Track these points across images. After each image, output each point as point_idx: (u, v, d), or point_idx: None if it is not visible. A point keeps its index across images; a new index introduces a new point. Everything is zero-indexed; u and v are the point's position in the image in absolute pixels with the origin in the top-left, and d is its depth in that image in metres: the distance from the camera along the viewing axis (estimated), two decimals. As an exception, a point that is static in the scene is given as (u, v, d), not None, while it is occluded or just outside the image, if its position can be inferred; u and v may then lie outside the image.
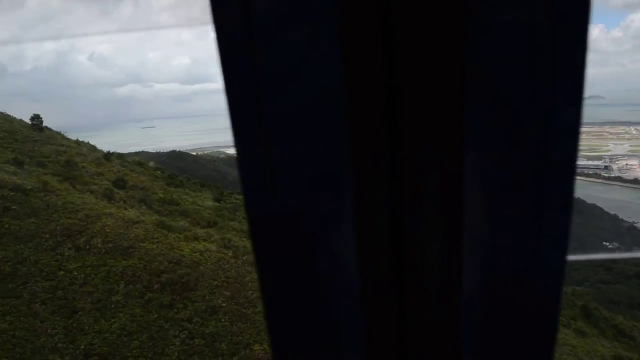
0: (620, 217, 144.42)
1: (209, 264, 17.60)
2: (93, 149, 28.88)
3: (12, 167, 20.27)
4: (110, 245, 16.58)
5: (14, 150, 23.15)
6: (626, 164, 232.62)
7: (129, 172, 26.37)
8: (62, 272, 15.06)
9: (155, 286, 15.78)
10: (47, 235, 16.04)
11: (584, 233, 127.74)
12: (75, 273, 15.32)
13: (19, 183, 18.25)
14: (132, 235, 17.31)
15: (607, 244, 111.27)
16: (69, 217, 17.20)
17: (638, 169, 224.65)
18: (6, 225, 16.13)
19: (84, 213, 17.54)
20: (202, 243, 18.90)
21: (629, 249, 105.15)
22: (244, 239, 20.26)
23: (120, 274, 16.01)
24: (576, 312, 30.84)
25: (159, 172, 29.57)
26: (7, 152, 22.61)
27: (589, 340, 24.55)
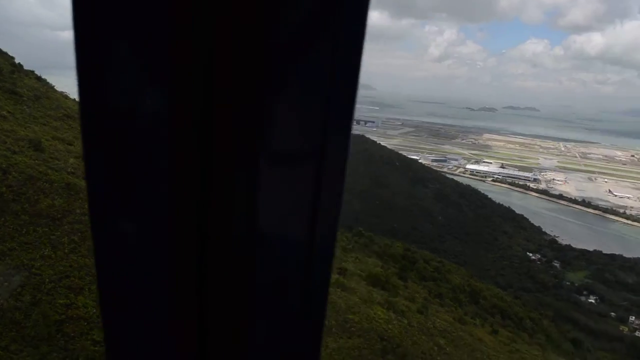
0: (543, 229, 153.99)
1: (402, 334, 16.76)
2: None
3: None
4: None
5: None
6: (553, 179, 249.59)
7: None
8: None
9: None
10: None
11: (512, 242, 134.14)
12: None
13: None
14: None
15: (531, 254, 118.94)
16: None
17: (563, 185, 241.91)
18: None
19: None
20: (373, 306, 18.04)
21: (550, 262, 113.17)
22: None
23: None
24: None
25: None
26: None
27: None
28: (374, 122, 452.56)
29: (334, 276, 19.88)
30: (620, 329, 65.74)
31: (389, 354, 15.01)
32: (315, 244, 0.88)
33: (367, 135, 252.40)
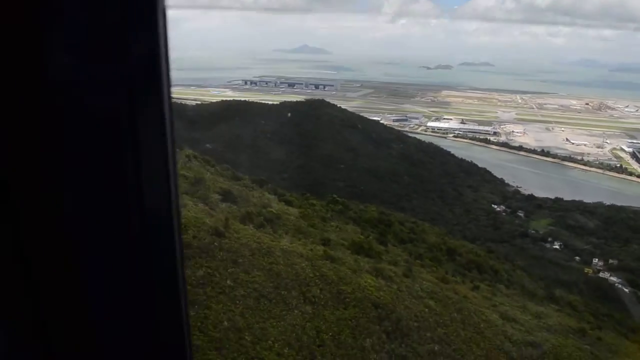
0: (506, 181, 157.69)
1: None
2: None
3: None
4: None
5: None
6: (512, 131, 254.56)
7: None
8: None
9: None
10: None
11: (477, 195, 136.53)
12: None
13: None
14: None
15: (496, 206, 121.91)
16: None
17: (522, 137, 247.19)
18: None
19: None
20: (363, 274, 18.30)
21: (514, 212, 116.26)
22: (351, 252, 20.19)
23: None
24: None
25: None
26: None
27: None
28: (332, 85, 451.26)
29: (320, 248, 19.89)
30: (586, 271, 68.67)
31: (385, 321, 15.19)
32: (147, 238, 0.89)
33: (327, 99, 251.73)
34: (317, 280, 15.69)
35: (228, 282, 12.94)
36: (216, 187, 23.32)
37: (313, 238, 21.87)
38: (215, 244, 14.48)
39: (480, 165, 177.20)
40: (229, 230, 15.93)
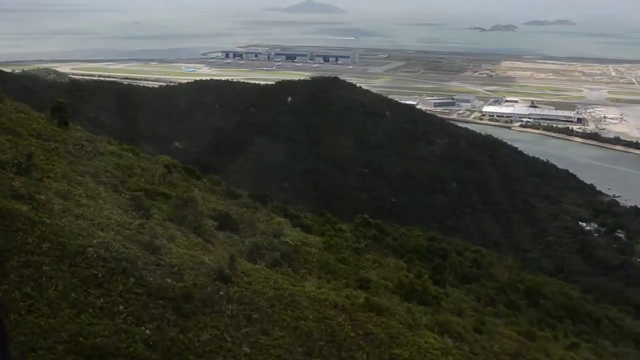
0: (598, 188, 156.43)
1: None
2: None
3: None
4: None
5: None
6: (604, 117, 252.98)
7: None
8: None
9: None
10: None
11: (557, 209, 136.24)
12: None
13: None
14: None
15: (584, 224, 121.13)
16: None
17: (618, 125, 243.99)
18: None
19: None
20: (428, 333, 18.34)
21: (612, 232, 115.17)
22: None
23: None
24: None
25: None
26: None
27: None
28: (348, 57, 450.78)
29: (359, 294, 19.94)
30: None
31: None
32: None
33: (342, 76, 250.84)
34: (361, 342, 15.60)
35: (244, 348, 12.89)
36: (209, 209, 23.37)
37: (346, 279, 21.83)
38: (222, 292, 14.45)
39: (560, 166, 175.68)
40: (236, 272, 15.92)
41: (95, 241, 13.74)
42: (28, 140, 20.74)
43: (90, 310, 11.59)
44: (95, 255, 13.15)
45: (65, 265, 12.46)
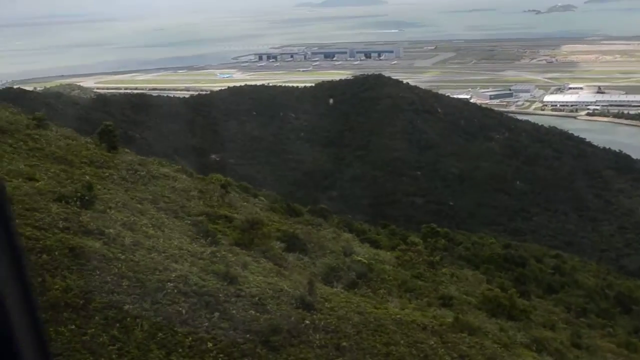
0: None
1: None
2: None
3: None
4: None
5: None
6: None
7: None
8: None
9: None
10: None
11: (633, 204, 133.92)
12: None
13: None
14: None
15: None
16: None
17: None
18: None
19: None
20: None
21: None
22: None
23: None
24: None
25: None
26: None
27: None
28: (392, 51, 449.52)
29: (445, 312, 19.96)
30: None
31: None
32: None
33: (387, 73, 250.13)
34: (458, 367, 15.65)
35: (340, 381, 13.05)
36: (273, 229, 23.62)
37: (427, 296, 21.88)
38: (307, 321, 14.63)
39: (635, 155, 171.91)
40: (316, 298, 16.09)
41: (173, 275, 14.05)
42: (82, 169, 21.31)
43: (180, 349, 11.82)
44: (175, 291, 13.46)
45: (148, 304, 12.74)
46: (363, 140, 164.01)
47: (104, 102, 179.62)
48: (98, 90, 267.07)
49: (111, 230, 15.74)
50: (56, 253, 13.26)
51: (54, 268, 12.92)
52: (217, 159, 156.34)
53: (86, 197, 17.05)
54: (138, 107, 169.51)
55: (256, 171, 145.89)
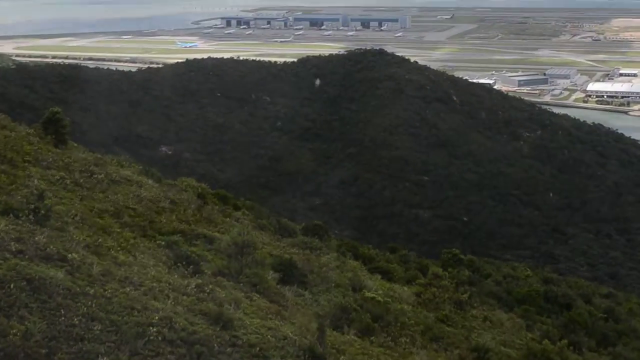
0: None
1: None
2: None
3: None
4: None
5: None
6: None
7: None
8: None
9: None
10: None
11: None
12: None
13: None
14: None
15: None
16: None
17: None
18: None
19: None
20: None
21: None
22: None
23: None
24: None
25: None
26: None
27: None
28: (396, 20, 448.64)
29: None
30: None
31: None
32: None
33: (389, 47, 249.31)
34: None
35: None
36: (264, 253, 23.65)
37: (458, 347, 22.00)
38: (319, 380, 14.74)
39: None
40: (328, 349, 16.20)
41: (155, 317, 14.10)
42: (26, 170, 21.23)
43: (171, 416, 11.88)
44: (159, 338, 13.51)
45: (126, 355, 12.78)
46: (356, 133, 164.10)
47: (25, 74, 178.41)
48: (17, 58, 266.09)
49: (75, 255, 15.74)
50: (11, 286, 13.27)
51: (8, 306, 12.93)
52: (169, 152, 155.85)
53: (41, 210, 17.02)
54: (69, 82, 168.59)
55: (218, 169, 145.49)
